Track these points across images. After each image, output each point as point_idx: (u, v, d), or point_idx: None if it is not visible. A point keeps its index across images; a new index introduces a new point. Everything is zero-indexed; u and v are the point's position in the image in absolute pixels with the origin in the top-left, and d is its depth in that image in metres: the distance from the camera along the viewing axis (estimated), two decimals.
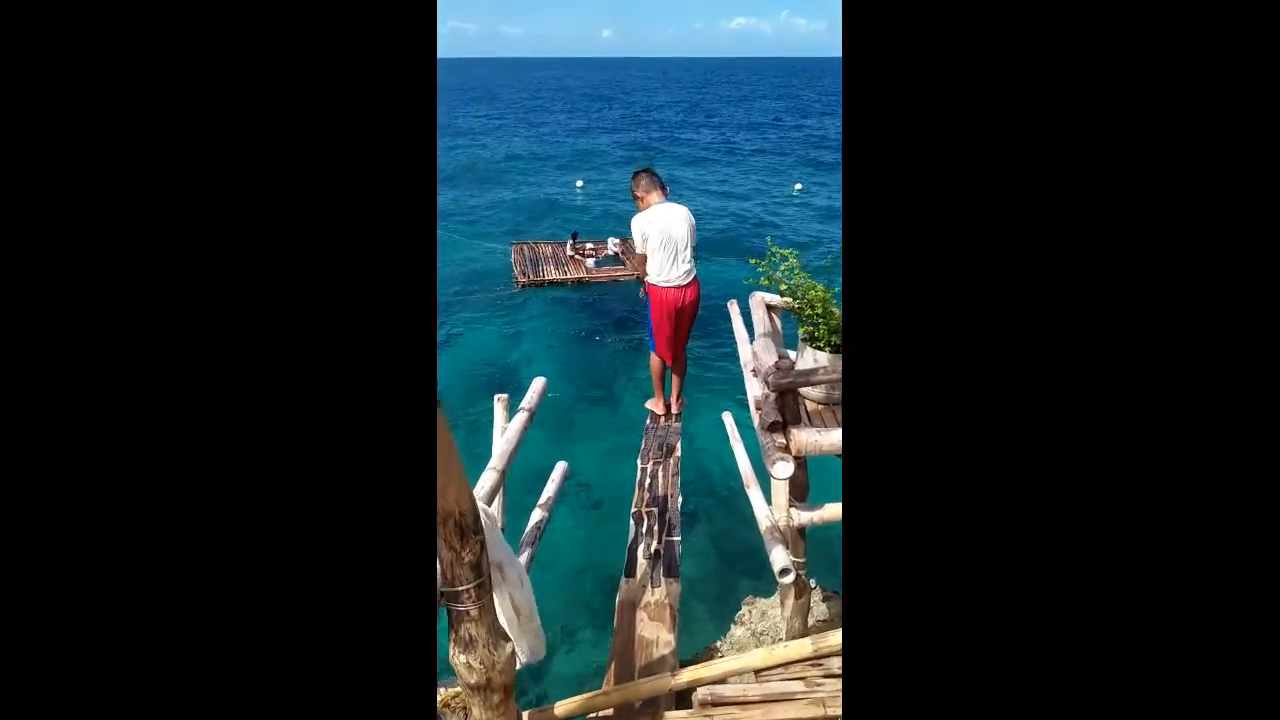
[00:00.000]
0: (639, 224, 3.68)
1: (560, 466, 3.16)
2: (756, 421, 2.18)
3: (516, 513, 2.81)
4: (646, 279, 3.82)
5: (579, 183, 22.07)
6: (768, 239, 2.61)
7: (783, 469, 1.93)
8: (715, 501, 5.79)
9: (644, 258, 3.75)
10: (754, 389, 2.56)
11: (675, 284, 3.73)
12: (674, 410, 4.35)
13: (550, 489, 2.99)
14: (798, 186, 22.23)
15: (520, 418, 2.55)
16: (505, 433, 2.46)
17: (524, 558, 2.57)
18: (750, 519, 2.80)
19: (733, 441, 3.27)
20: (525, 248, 14.15)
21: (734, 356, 3.39)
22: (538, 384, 2.96)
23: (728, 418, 3.59)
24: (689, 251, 3.72)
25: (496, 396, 2.56)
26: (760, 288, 2.53)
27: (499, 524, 2.26)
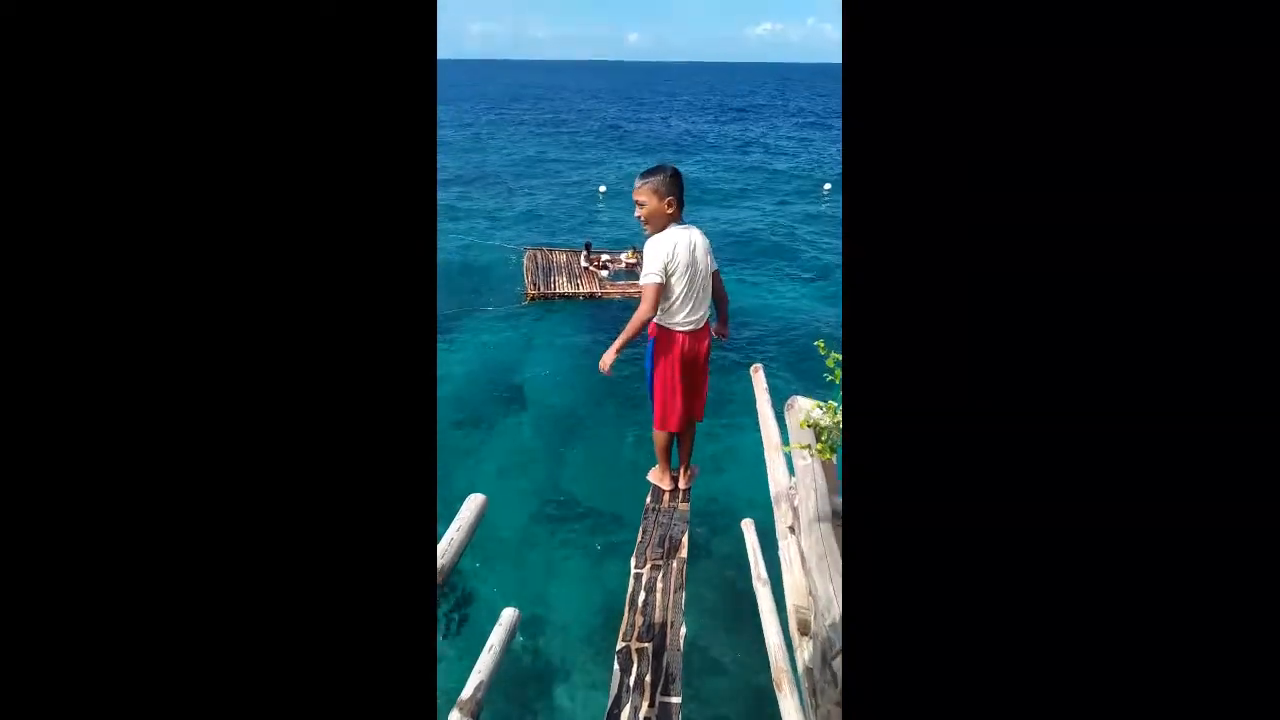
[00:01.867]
0: (662, 248, 2.61)
1: (507, 615, 2.22)
2: (800, 647, 1.23)
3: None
4: (655, 320, 2.82)
5: (601, 188, 21.22)
6: (818, 344, 1.50)
7: None
8: (718, 601, 4.72)
9: (655, 291, 2.67)
10: (791, 556, 1.58)
11: (694, 329, 2.77)
12: (683, 485, 3.36)
13: (486, 659, 2.05)
14: (826, 187, 21.16)
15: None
16: None
17: None
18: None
19: (755, 581, 2.29)
20: (539, 254, 13.43)
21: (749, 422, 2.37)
22: (472, 505, 2.03)
23: (748, 529, 2.62)
24: (709, 287, 2.79)
25: None
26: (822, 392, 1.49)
27: None
